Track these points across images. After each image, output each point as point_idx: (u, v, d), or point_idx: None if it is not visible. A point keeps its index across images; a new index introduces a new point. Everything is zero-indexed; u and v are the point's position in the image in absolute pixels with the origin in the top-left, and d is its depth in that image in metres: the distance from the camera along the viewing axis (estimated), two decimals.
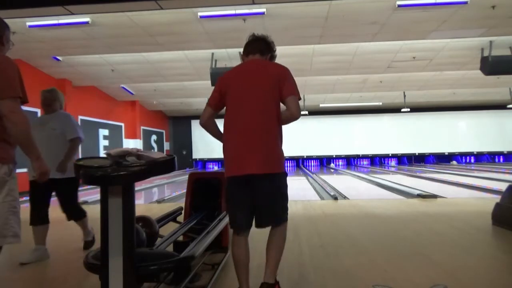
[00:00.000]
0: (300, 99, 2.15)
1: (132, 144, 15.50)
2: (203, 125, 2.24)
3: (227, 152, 2.14)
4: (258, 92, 2.10)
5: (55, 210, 3.53)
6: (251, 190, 2.07)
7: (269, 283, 2.06)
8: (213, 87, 2.30)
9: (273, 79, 2.11)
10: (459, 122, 20.16)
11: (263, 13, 6.66)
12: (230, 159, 2.11)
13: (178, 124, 21.04)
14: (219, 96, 2.20)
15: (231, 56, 9.31)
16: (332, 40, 8.28)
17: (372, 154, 20.74)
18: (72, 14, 5.97)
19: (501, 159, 20.45)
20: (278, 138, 2.11)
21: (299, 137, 18.97)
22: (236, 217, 2.13)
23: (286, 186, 2.16)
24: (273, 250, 2.11)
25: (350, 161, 21.14)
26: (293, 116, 2.11)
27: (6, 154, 1.95)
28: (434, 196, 6.77)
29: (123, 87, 13.54)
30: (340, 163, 21.11)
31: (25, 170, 3.11)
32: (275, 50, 2.36)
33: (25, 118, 1.94)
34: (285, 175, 2.16)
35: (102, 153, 7.96)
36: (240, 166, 2.05)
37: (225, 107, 2.22)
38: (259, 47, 2.28)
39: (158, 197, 8.92)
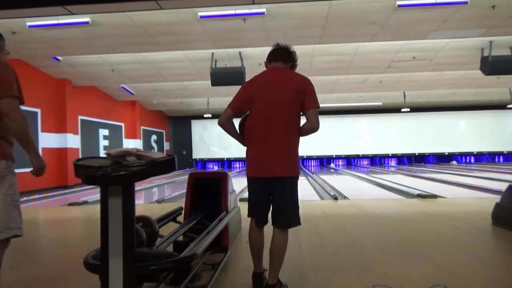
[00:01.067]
0: (319, 107, 2.29)
1: (132, 144, 15.50)
2: (221, 124, 2.40)
3: (252, 155, 2.32)
4: (281, 101, 2.24)
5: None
6: (270, 190, 2.28)
7: (272, 284, 2.26)
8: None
9: (295, 90, 2.25)
10: (459, 122, 20.16)
11: (263, 13, 6.66)
12: (256, 162, 2.29)
13: (178, 124, 21.04)
14: (242, 102, 2.35)
15: (231, 56, 9.31)
16: (332, 40, 8.28)
17: (372, 154, 20.74)
18: (72, 14, 5.97)
19: (501, 159, 20.44)
20: (297, 144, 2.31)
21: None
22: (256, 212, 2.36)
23: (297, 188, 2.33)
24: (276, 256, 2.27)
25: (350, 161, 21.14)
26: (313, 129, 2.28)
27: (4, 150, 2.05)
28: (434, 196, 6.77)
29: (123, 87, 13.54)
30: (340, 163, 21.12)
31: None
32: (297, 60, 2.47)
33: (24, 116, 2.05)
34: (298, 177, 2.33)
35: (102, 153, 7.97)
36: (265, 169, 2.24)
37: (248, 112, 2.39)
38: (282, 55, 2.40)
39: (158, 197, 8.92)
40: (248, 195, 2.42)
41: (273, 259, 2.26)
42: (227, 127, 2.39)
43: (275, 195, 2.27)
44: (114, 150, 1.71)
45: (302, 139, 2.35)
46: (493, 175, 12.29)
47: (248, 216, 2.41)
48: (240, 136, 2.46)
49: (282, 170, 2.21)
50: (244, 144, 2.43)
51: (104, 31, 7.45)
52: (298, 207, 2.32)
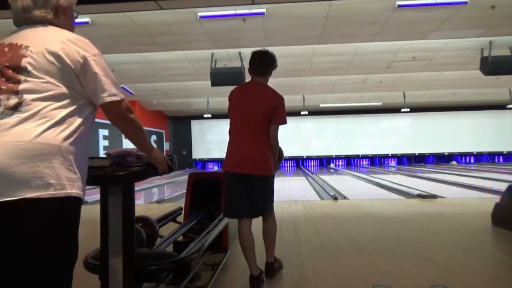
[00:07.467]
0: (285, 123, 2.58)
1: (132, 144, 15.48)
2: None
3: (229, 152, 2.61)
4: (254, 114, 2.54)
5: None
6: (245, 186, 2.51)
7: (271, 262, 2.64)
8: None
9: (268, 107, 2.54)
10: (459, 122, 20.13)
11: (263, 13, 6.65)
12: (231, 160, 2.58)
13: (178, 124, 21.02)
14: (229, 110, 2.69)
15: (231, 56, 9.31)
16: (332, 40, 8.27)
17: (372, 154, 20.73)
18: None
19: (501, 159, 20.45)
20: (266, 149, 2.55)
21: (299, 137, 19.00)
22: (232, 207, 2.57)
23: (272, 186, 2.63)
24: (268, 238, 2.63)
25: (350, 161, 21.12)
26: (270, 143, 2.55)
27: None
28: (434, 196, 6.77)
29: (123, 87, 13.53)
30: (340, 163, 21.10)
31: None
32: (276, 61, 2.71)
33: None
34: (273, 177, 2.62)
35: (102, 153, 7.95)
36: (238, 166, 2.52)
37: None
38: (263, 70, 2.65)
39: (158, 197, 8.92)
40: (225, 191, 2.64)
41: (266, 242, 2.62)
42: None
43: (249, 191, 2.51)
44: (114, 150, 1.71)
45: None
46: (492, 175, 12.29)
47: (224, 215, 2.70)
48: None
49: (252, 169, 2.48)
50: None
51: (104, 31, 7.44)
52: (272, 200, 2.63)
